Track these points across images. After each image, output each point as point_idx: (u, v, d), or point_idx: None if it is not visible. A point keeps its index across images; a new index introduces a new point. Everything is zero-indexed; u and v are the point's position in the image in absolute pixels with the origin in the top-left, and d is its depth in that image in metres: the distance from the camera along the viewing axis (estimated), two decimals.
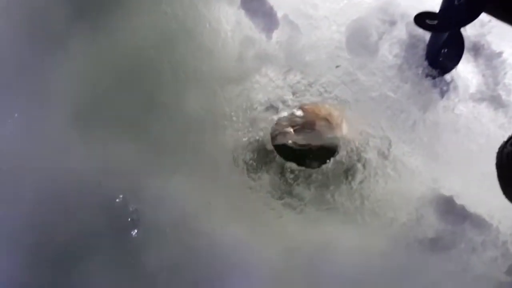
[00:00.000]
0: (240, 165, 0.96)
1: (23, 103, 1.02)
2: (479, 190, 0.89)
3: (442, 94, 1.01)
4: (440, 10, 0.90)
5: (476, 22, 0.86)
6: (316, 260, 0.87)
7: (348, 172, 0.96)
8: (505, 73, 1.02)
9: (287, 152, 0.98)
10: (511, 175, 0.89)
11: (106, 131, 0.99)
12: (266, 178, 0.97)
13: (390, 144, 0.96)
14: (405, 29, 1.03)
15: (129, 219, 0.90)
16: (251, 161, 0.97)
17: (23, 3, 1.12)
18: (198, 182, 0.93)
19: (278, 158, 0.97)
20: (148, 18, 1.10)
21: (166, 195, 0.91)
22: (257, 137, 0.99)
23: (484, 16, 0.82)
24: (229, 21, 1.10)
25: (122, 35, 1.09)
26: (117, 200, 0.90)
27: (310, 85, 1.02)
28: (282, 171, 0.97)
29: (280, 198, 0.94)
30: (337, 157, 0.98)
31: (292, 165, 0.97)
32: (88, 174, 0.94)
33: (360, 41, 1.04)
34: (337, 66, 1.02)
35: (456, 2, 0.88)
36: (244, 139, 0.99)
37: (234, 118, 0.99)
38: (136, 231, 0.88)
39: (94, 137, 0.98)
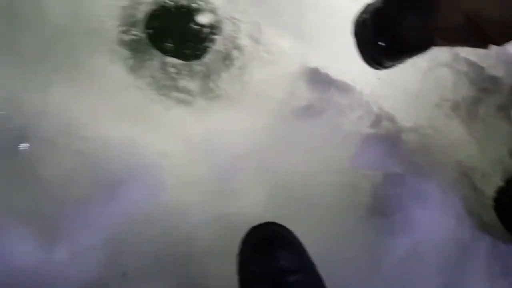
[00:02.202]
0: (119, 64, 0.88)
1: None
2: (341, 59, 0.92)
3: None
4: None
5: None
6: (210, 144, 0.87)
7: (226, 60, 0.92)
8: None
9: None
10: (365, 41, 0.91)
11: None
12: (148, 75, 0.89)
13: (260, 29, 0.93)
14: None
15: (16, 135, 0.79)
16: (130, 59, 0.88)
17: None
18: (78, 88, 0.84)
19: (157, 54, 0.90)
20: None
21: (48, 106, 0.83)
22: (133, 34, 0.90)
23: None
24: None
25: None
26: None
27: None
28: (164, 67, 0.90)
29: (167, 93, 0.89)
30: (214, 47, 0.92)
31: (173, 60, 0.91)
32: None
33: None
34: None
35: None
36: (119, 38, 0.89)
37: (103, 18, 0.88)
38: (25, 145, 0.78)
39: None
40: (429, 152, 0.92)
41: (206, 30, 0.94)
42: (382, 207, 0.85)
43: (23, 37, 0.86)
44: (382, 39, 0.88)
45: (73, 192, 0.79)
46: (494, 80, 0.99)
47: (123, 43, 0.90)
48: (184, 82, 0.92)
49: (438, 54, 0.99)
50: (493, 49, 0.80)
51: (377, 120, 0.92)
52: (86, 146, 0.82)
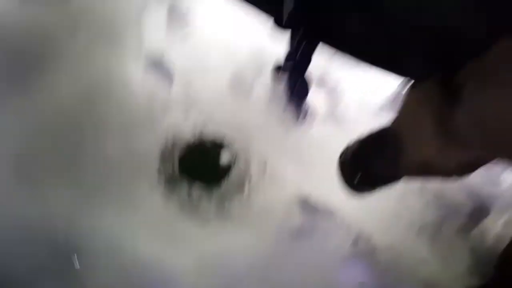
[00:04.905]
0: (155, 192, 1.00)
1: None
2: (330, 187, 1.01)
3: (301, 118, 1.10)
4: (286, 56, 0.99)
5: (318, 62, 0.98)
6: (221, 259, 0.95)
7: (238, 187, 1.04)
8: (342, 98, 1.13)
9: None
10: (345, 176, 1.01)
11: (43, 179, 0.99)
12: (177, 200, 1.02)
13: (265, 163, 1.05)
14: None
15: (72, 255, 0.90)
16: (164, 188, 1.01)
17: None
18: (125, 214, 0.96)
19: (186, 183, 1.03)
20: (69, 79, 1.09)
21: (100, 228, 0.94)
22: (168, 168, 1.03)
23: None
24: (135, 74, 1.11)
25: (49, 96, 1.07)
26: (59, 238, 0.90)
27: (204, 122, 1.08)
28: (190, 193, 1.03)
29: (191, 215, 1.00)
30: (230, 177, 1.04)
31: (197, 187, 1.03)
32: (31, 217, 0.94)
33: (240, 84, 1.10)
34: None
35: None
36: (158, 170, 1.03)
37: (148, 155, 1.04)
38: (77, 263, 0.90)
39: (33, 184, 0.98)
40: (400, 269, 0.98)
41: (225, 164, 1.07)
42: None
43: (86, 169, 1.01)
44: (358, 177, 0.99)
45: None
46: (454, 206, 1.06)
47: (160, 176, 1.04)
48: (204, 205, 1.04)
49: (410, 185, 1.07)
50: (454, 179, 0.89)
51: (357, 240, 1.00)
52: (125, 263, 0.93)
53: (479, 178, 1.10)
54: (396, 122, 0.94)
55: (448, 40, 0.92)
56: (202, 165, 1.08)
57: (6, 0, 1.17)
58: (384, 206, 1.06)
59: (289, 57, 0.97)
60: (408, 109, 0.91)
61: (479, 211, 1.07)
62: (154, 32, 1.13)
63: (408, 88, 0.92)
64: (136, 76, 1.11)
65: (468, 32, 0.84)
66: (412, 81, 0.94)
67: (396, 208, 1.06)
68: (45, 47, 1.14)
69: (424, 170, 0.91)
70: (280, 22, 0.85)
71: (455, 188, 1.09)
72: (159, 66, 1.12)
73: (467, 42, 0.83)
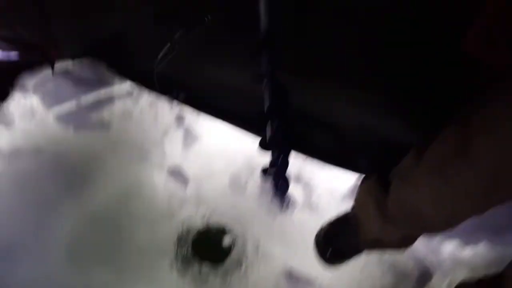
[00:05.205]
0: (173, 270, 1.30)
1: (29, 251, 1.29)
2: (310, 260, 1.29)
3: (285, 207, 1.44)
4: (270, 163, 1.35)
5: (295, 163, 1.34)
6: None
7: (238, 263, 1.33)
8: (315, 190, 1.48)
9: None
10: (319, 251, 1.31)
11: (88, 261, 1.29)
12: (190, 275, 1.30)
13: (258, 244, 1.36)
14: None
15: None
16: (180, 266, 1.31)
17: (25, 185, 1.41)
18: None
19: (197, 262, 1.32)
20: (109, 185, 1.44)
21: None
22: (183, 250, 1.34)
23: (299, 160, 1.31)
24: (160, 180, 1.47)
25: (94, 198, 1.42)
26: None
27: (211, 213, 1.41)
28: (200, 269, 1.31)
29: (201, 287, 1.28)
30: (231, 255, 1.34)
31: (206, 264, 1.32)
32: None
33: (237, 183, 1.46)
34: None
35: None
36: (175, 253, 1.33)
37: (167, 240, 1.34)
38: None
39: (80, 266, 1.27)
40: None
41: (227, 245, 1.38)
42: None
43: (122, 255, 1.31)
44: (329, 251, 1.29)
45: None
46: (405, 272, 1.35)
47: (177, 256, 1.34)
48: (211, 279, 1.32)
49: (370, 256, 1.37)
50: (401, 250, 1.19)
51: None
52: None
53: (423, 249, 1.40)
54: (353, 208, 1.28)
55: (382, 148, 1.32)
56: (209, 248, 1.38)
57: (64, 130, 1.58)
58: (351, 274, 1.34)
59: (272, 164, 1.35)
60: (359, 197, 1.25)
61: (424, 276, 1.35)
62: (174, 149, 1.53)
63: (359, 182, 1.28)
64: (160, 181, 1.48)
65: (395, 143, 1.24)
66: (363, 176, 1.31)
67: (360, 275, 1.34)
68: (92, 162, 1.52)
69: (376, 244, 1.22)
70: (264, 146, 1.25)
71: (405, 258, 1.38)
72: (177, 173, 1.50)
73: (394, 150, 1.22)
